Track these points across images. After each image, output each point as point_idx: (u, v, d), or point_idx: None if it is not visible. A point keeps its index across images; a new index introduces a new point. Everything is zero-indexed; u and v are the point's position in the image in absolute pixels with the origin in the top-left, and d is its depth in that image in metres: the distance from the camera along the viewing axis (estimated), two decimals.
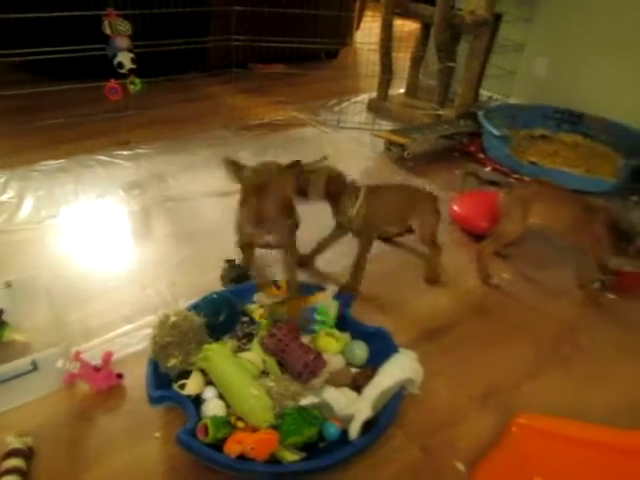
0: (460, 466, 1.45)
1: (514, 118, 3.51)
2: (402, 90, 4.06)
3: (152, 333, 1.57)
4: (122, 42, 2.82)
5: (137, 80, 2.97)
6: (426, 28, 3.71)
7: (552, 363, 1.83)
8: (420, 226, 2.10)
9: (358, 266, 2.01)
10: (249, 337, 1.73)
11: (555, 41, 3.68)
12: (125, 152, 3.04)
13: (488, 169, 3.12)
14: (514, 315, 2.04)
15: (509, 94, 3.91)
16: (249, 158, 3.05)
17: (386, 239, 2.41)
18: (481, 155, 3.23)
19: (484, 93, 3.94)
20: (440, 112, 3.61)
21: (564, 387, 1.74)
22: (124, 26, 2.79)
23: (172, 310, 1.61)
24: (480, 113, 3.28)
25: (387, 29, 3.61)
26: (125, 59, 2.86)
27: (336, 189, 1.92)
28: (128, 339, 1.78)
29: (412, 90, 4.02)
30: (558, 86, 3.68)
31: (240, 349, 1.68)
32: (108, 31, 2.76)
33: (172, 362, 1.53)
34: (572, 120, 3.49)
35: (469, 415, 1.61)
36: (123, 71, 2.89)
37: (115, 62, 2.85)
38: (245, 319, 1.79)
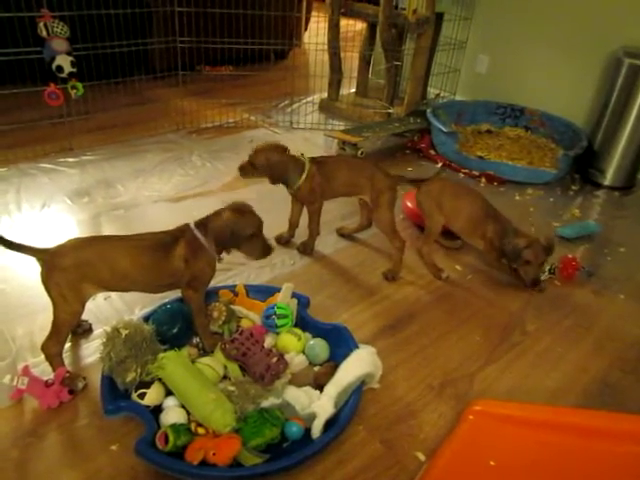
0: (420, 456, 1.48)
1: (460, 114, 3.62)
2: (353, 89, 4.10)
3: (104, 349, 1.52)
4: (60, 45, 2.72)
5: (79, 84, 2.88)
6: (372, 28, 3.76)
7: (504, 350, 1.89)
8: (374, 204, 2.13)
9: (311, 231, 2.27)
10: None
11: (494, 39, 3.81)
12: (70, 159, 2.95)
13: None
14: (467, 306, 2.10)
15: (455, 91, 4.02)
16: (200, 162, 3.03)
17: (344, 235, 2.44)
18: (432, 151, 3.31)
19: (432, 91, 4.03)
20: (390, 110, 3.67)
21: (516, 372, 1.80)
22: (61, 28, 2.70)
23: (120, 322, 1.56)
24: (428, 110, 3.36)
25: (334, 29, 3.64)
26: (64, 62, 2.76)
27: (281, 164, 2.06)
28: (80, 351, 1.73)
29: (362, 89, 4.07)
30: (499, 82, 3.82)
31: (200, 356, 1.65)
32: (44, 33, 2.66)
33: (131, 376, 1.49)
34: (514, 115, 3.63)
35: (427, 405, 1.64)
36: (63, 75, 2.79)
37: (54, 66, 2.75)
38: None
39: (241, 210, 1.63)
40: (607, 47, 3.21)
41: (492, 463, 1.40)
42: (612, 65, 3.08)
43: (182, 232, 1.60)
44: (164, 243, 1.57)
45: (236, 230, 1.60)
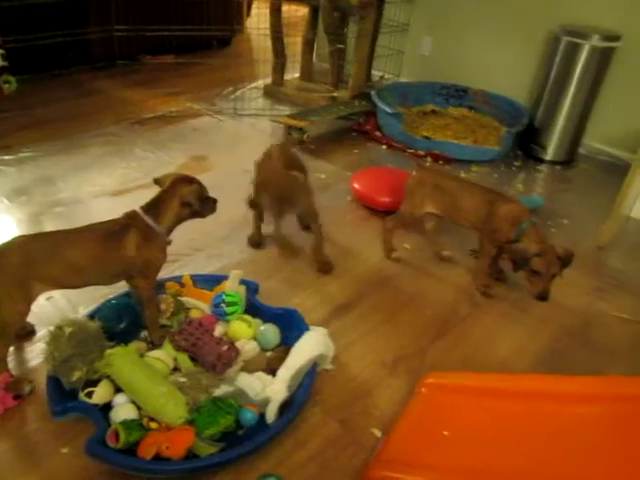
0: (377, 432, 1.51)
1: (405, 96, 3.65)
2: (297, 74, 4.07)
3: (47, 349, 1.47)
4: None
5: (12, 78, 2.75)
6: (314, 11, 3.74)
7: (453, 323, 1.94)
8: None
9: None
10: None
11: (437, 20, 3.85)
12: (6, 157, 2.81)
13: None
14: (416, 283, 2.13)
15: (399, 73, 4.05)
16: (143, 154, 2.94)
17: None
18: (378, 133, 3.33)
19: (376, 73, 4.05)
20: (335, 94, 3.67)
21: (466, 344, 1.85)
22: None
23: (64, 321, 1.52)
24: (373, 93, 3.37)
25: (276, 13, 3.60)
26: None
27: None
28: (24, 354, 1.66)
29: (307, 74, 4.04)
30: (443, 63, 3.87)
31: (149, 350, 1.62)
32: None
33: (76, 375, 1.45)
34: (458, 95, 3.68)
35: (382, 383, 1.67)
36: None
37: None
38: None
39: (190, 179, 1.64)
40: (546, 26, 3.29)
41: (446, 433, 1.43)
42: (551, 43, 3.17)
43: (131, 219, 1.55)
44: (113, 232, 1.52)
45: (199, 197, 1.62)
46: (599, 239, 2.46)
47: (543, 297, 1.85)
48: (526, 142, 3.31)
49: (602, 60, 2.99)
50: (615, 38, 2.95)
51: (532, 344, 1.87)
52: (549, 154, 3.26)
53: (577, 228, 2.59)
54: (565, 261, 1.84)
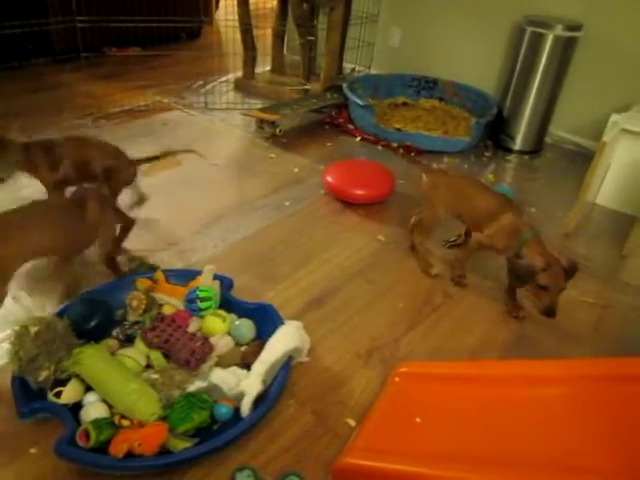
0: (351, 422, 1.52)
1: (377, 88, 3.66)
2: (268, 67, 4.04)
3: (12, 349, 1.43)
4: None
5: None
6: (283, 3, 3.70)
7: (427, 313, 1.96)
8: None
9: None
10: (132, 339, 1.63)
11: (405, 12, 3.86)
12: None
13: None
14: (390, 274, 2.14)
15: (370, 65, 4.05)
16: None
17: None
18: (350, 126, 3.33)
19: (347, 65, 4.05)
20: (307, 87, 3.65)
21: (439, 333, 1.87)
22: None
23: (29, 320, 1.48)
24: (345, 85, 3.37)
25: (243, 5, 3.56)
26: None
27: None
28: None
29: (278, 67, 4.01)
30: (412, 54, 3.90)
31: (121, 348, 1.59)
32: None
33: (44, 375, 1.41)
34: (428, 86, 3.71)
35: (356, 373, 1.68)
36: None
37: None
38: (126, 323, 1.67)
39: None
40: (511, 16, 3.34)
41: (418, 420, 1.45)
42: (516, 34, 3.21)
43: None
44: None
45: None
46: (565, 226, 2.52)
47: (551, 313, 1.74)
48: (495, 132, 3.36)
49: (566, 50, 3.04)
50: (577, 28, 3.01)
51: (502, 331, 1.91)
52: (517, 144, 3.31)
53: (544, 216, 2.64)
54: (570, 272, 1.75)
